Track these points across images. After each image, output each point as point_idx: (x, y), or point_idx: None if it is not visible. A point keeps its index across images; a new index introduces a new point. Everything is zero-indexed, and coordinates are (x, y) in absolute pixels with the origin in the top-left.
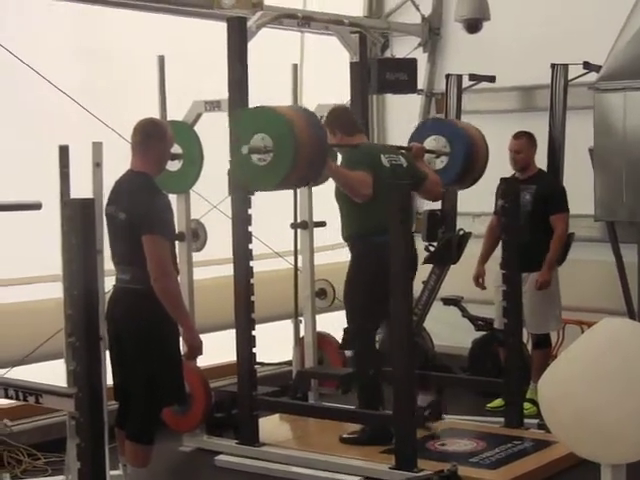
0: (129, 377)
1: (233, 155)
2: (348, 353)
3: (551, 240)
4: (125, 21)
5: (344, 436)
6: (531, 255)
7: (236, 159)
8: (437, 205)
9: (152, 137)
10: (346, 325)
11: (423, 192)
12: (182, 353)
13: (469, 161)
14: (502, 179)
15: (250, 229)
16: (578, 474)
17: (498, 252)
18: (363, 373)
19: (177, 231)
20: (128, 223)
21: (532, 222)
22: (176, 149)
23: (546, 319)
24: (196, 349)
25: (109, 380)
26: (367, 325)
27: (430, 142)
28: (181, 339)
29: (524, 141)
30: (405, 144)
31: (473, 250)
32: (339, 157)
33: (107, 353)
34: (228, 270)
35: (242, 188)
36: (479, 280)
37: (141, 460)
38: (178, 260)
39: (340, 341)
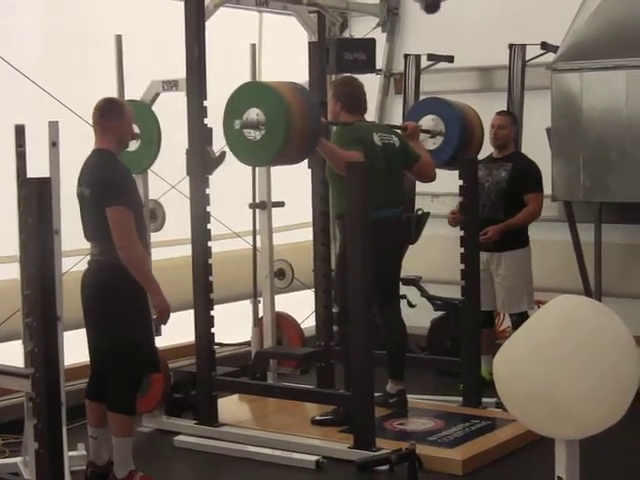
0: (102, 348)
1: (226, 129)
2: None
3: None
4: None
5: (317, 418)
6: (503, 234)
7: (229, 134)
8: None
9: (110, 115)
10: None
11: (415, 173)
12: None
13: (464, 143)
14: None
15: (208, 209)
16: (535, 451)
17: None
18: None
19: None
20: (92, 198)
21: (506, 200)
22: (134, 129)
23: (521, 298)
24: (165, 312)
25: (67, 360)
26: None
27: (426, 121)
28: None
29: (507, 118)
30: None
31: (432, 230)
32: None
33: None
34: (186, 250)
35: (200, 168)
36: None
37: (127, 430)
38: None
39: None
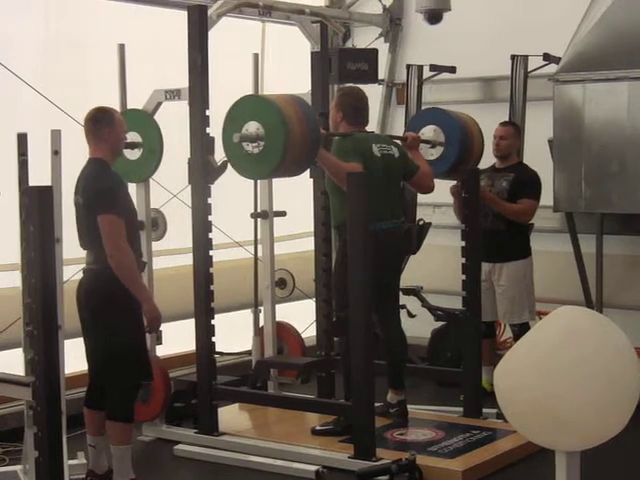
0: (98, 356)
1: (225, 142)
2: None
3: (526, 231)
4: (86, 8)
5: (317, 428)
6: (505, 245)
7: (228, 147)
8: None
9: (100, 124)
10: (334, 313)
11: (414, 184)
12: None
13: (463, 154)
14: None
15: (210, 218)
16: (535, 463)
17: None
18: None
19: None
20: (85, 206)
21: None
22: (136, 138)
23: (522, 309)
24: (155, 320)
25: (67, 369)
26: None
27: (427, 132)
28: None
29: (510, 129)
30: None
31: (433, 240)
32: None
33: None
34: (188, 259)
35: (202, 177)
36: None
37: (126, 438)
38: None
39: (332, 328)
